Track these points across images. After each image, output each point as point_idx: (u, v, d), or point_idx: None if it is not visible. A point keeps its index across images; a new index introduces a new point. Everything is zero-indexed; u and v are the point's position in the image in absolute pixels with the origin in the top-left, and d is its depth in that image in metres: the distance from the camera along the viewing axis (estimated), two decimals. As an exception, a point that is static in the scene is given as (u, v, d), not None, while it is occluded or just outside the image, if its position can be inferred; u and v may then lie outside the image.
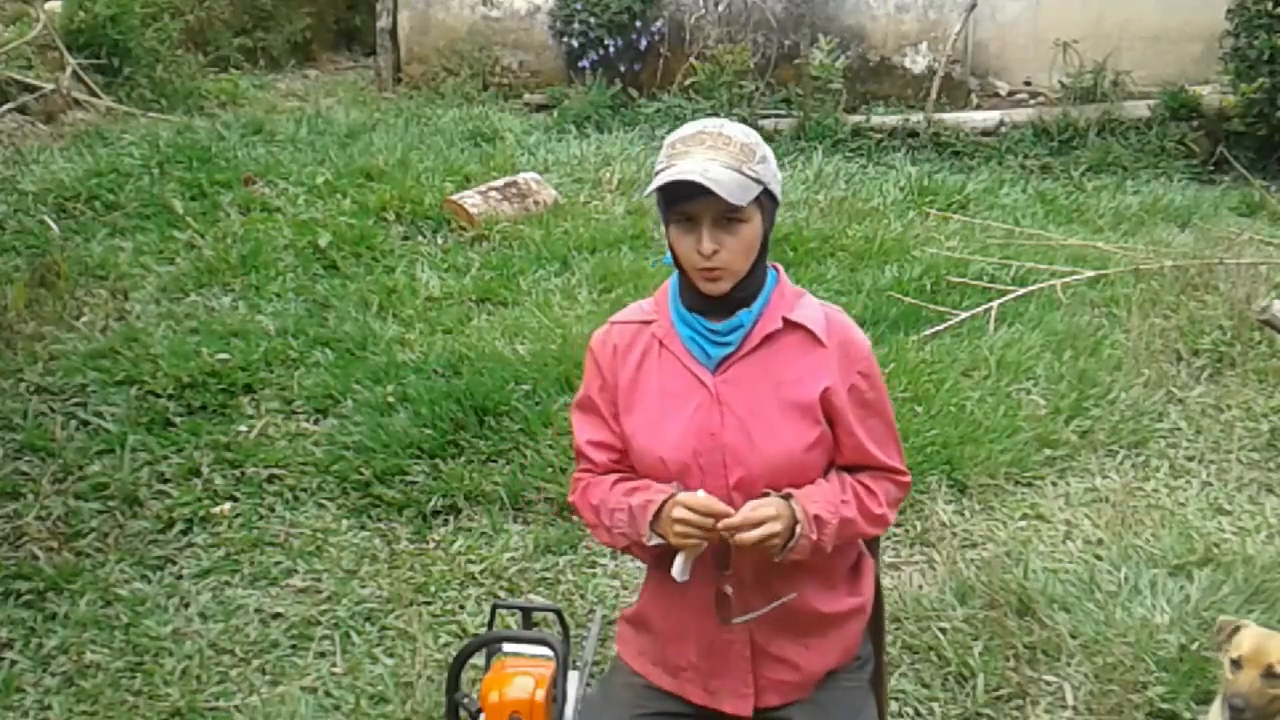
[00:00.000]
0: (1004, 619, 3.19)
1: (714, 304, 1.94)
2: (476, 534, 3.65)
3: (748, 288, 1.94)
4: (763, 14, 8.73)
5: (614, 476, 2.02)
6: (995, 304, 5.00)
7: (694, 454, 1.92)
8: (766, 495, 1.88)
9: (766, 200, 1.90)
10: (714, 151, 1.85)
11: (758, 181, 1.86)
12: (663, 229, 2.18)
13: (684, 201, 1.85)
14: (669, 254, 1.97)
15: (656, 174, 1.88)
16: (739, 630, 1.96)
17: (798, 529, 1.85)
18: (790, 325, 1.95)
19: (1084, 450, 4.10)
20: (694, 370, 1.96)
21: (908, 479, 2.07)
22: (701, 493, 1.87)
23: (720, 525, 1.83)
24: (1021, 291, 5.13)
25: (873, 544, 2.17)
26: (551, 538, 3.60)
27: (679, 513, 1.84)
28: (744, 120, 7.69)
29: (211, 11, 10.02)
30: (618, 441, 2.02)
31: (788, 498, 1.88)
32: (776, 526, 1.83)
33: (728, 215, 1.85)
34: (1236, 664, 2.30)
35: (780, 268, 2.03)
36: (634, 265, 5.58)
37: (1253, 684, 2.26)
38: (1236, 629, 2.37)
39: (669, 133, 2.01)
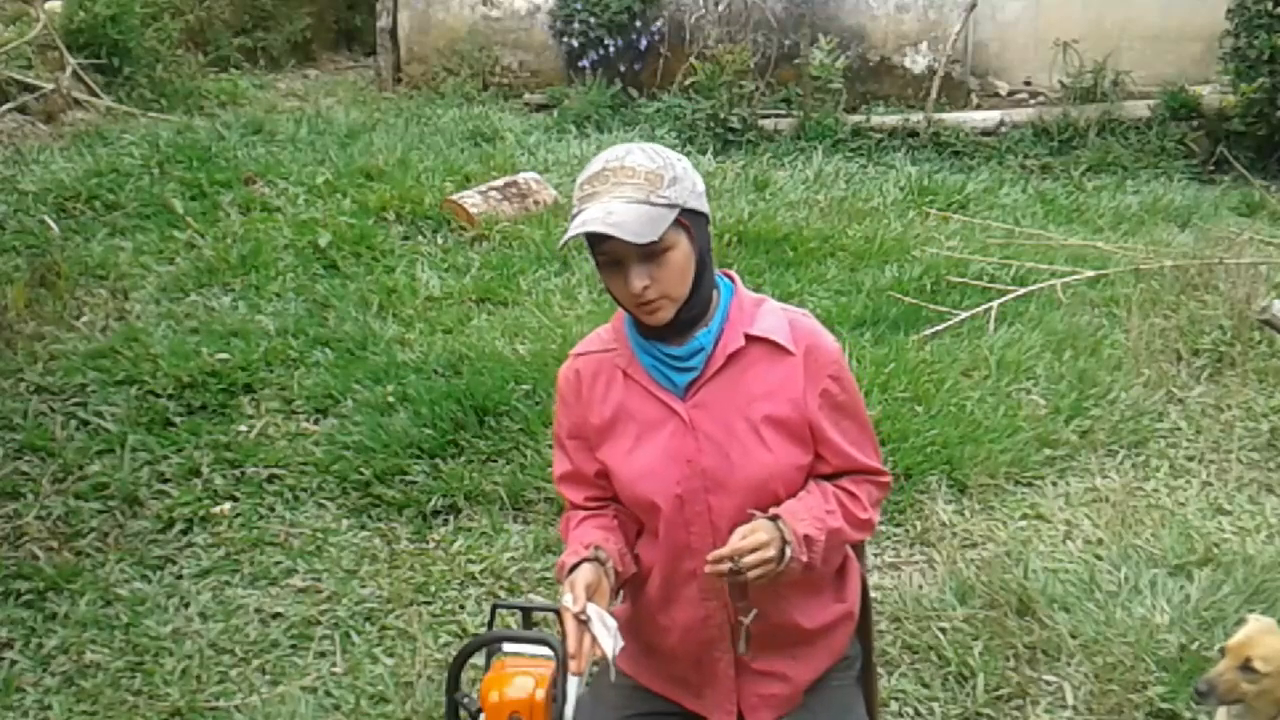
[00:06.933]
0: (1004, 619, 3.18)
1: (667, 330, 1.87)
2: (476, 534, 3.65)
3: (695, 307, 1.86)
4: (763, 14, 8.72)
5: (581, 516, 1.99)
6: (995, 304, 5.00)
7: (675, 483, 1.89)
8: (753, 516, 1.82)
9: (690, 218, 1.80)
10: (618, 188, 1.76)
11: (670, 206, 1.78)
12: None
13: (602, 243, 1.77)
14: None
15: (571, 218, 1.81)
16: (723, 649, 1.96)
17: (788, 551, 1.79)
18: (753, 340, 1.90)
19: (1084, 450, 4.10)
20: (662, 398, 1.91)
21: (888, 478, 2.03)
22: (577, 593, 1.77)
23: (710, 558, 1.77)
24: (1021, 291, 5.13)
25: (858, 546, 2.13)
26: (551, 538, 3.59)
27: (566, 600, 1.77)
28: (743, 120, 7.78)
29: (211, 11, 10.02)
30: (590, 474, 1.98)
31: (774, 519, 1.81)
32: (770, 552, 1.77)
33: (648, 249, 1.77)
34: (1221, 651, 2.29)
35: (735, 277, 1.97)
36: (634, 265, 5.57)
37: (1225, 672, 2.24)
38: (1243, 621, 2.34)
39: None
